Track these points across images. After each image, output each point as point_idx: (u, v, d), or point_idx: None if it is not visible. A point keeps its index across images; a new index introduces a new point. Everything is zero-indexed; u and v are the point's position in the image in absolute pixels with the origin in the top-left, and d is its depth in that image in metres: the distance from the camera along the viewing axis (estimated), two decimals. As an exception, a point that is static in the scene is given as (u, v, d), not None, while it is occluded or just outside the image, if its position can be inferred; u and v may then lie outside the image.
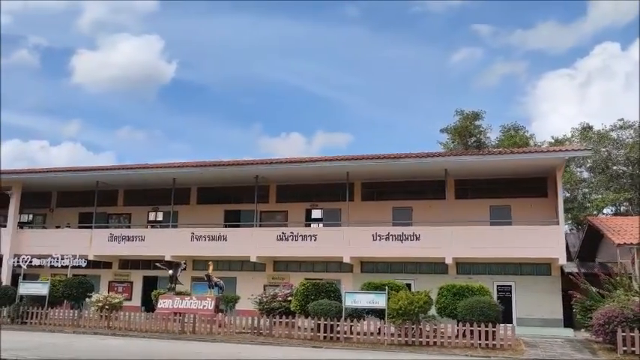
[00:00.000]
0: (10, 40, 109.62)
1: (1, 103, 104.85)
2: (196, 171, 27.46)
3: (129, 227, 31.05)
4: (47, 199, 33.63)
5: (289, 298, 20.06)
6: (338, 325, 17.36)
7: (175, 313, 20.39)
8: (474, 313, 16.38)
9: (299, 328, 18.00)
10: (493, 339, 15.90)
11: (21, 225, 31.83)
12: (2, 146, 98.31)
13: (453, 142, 49.24)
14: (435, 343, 16.40)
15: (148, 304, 28.80)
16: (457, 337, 16.49)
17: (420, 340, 16.53)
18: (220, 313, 20.49)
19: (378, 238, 25.05)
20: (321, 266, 27.90)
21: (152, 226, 31.33)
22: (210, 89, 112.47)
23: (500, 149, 28.32)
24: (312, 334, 17.46)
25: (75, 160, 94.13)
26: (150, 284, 30.16)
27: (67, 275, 25.77)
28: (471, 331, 16.14)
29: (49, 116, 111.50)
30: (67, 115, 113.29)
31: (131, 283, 30.56)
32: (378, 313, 18.45)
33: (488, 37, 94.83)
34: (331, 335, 17.29)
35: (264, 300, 20.34)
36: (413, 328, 16.70)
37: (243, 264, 28.41)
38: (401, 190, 27.91)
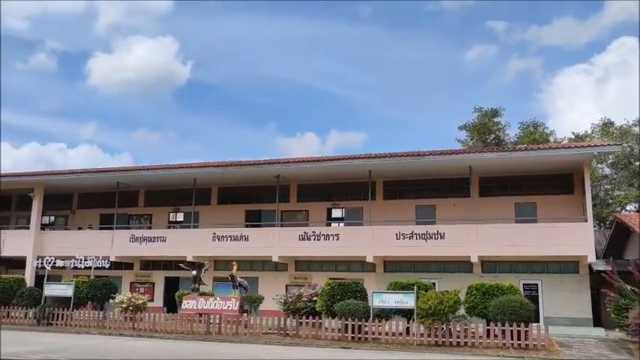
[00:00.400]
0: (28, 45, 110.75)
1: (16, 105, 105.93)
2: (217, 171, 27.36)
3: (150, 228, 31.05)
4: (68, 200, 33.76)
5: (314, 298, 19.83)
6: (366, 326, 17.07)
7: (199, 314, 20.25)
8: (506, 313, 16.02)
9: (326, 328, 17.75)
10: (526, 339, 15.53)
11: (43, 227, 31.96)
12: (22, 150, 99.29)
13: (471, 140, 48.79)
14: (465, 343, 16.06)
15: (170, 305, 28.77)
16: (488, 337, 16.14)
17: (450, 340, 16.20)
18: (245, 314, 20.31)
19: (402, 236, 24.76)
20: (343, 266, 27.68)
21: (173, 227, 31.31)
22: (224, 89, 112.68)
23: (526, 145, 27.81)
24: (340, 334, 17.22)
25: (92, 162, 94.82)
26: (171, 285, 30.15)
27: (89, 277, 25.77)
28: (503, 331, 15.78)
29: (67, 119, 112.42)
30: (84, 118, 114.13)
31: (153, 283, 30.57)
32: (405, 313, 18.19)
33: (503, 34, 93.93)
34: (359, 336, 17.02)
35: (289, 300, 20.14)
36: (443, 328, 16.38)
37: (264, 264, 28.29)
38: (424, 188, 27.59)
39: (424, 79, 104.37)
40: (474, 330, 16.39)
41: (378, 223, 25.92)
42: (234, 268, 22.12)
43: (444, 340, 16.26)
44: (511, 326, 15.69)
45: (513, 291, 17.49)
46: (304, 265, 28.31)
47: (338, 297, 18.62)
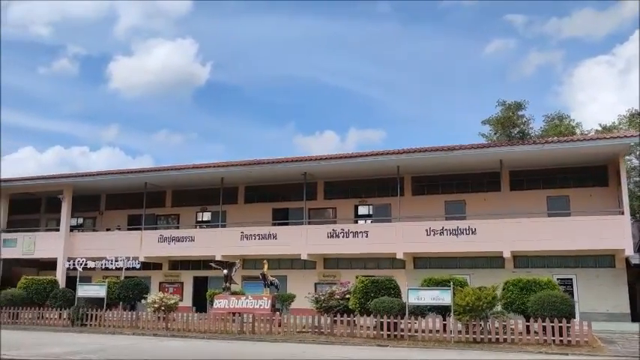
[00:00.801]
0: (50, 50, 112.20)
1: (40, 110, 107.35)
2: (244, 170, 27.31)
3: (177, 228, 31.14)
4: (96, 202, 34.02)
5: (347, 296, 19.67)
6: (402, 323, 16.84)
7: (231, 313, 20.18)
8: (546, 308, 15.66)
9: (360, 326, 17.53)
10: (567, 335, 15.16)
11: (72, 228, 32.23)
12: (46, 153, 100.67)
13: (495, 134, 48.08)
14: (504, 340, 15.73)
15: (199, 305, 28.85)
16: (527, 333, 15.79)
17: (489, 337, 15.88)
18: (277, 313, 20.20)
19: (432, 232, 24.44)
20: (372, 263, 27.45)
21: (200, 227, 31.38)
22: (243, 90, 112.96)
23: (558, 137, 27.26)
24: (375, 332, 16.99)
25: (113, 164, 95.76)
26: (200, 284, 30.22)
27: (117, 277, 25.90)
28: (543, 328, 15.42)
29: (89, 122, 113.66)
30: (106, 121, 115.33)
31: (181, 283, 30.66)
32: (440, 310, 17.93)
33: (522, 27, 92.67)
34: (395, 333, 16.80)
35: (322, 298, 19.97)
36: (481, 325, 16.07)
37: (293, 262, 28.18)
38: (453, 183, 27.23)
39: (443, 74, 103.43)
40: (512, 326, 16.06)
41: (408, 219, 25.66)
42: (266, 266, 22.03)
43: (482, 337, 15.95)
44: (552, 322, 15.33)
45: (551, 286, 17.13)
46: (333, 262, 28.14)
47: (372, 294, 18.42)
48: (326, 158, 25.96)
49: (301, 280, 27.76)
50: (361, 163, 25.59)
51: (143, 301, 22.50)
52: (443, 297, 16.74)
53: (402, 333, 16.74)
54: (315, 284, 27.90)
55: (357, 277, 26.45)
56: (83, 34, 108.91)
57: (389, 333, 16.83)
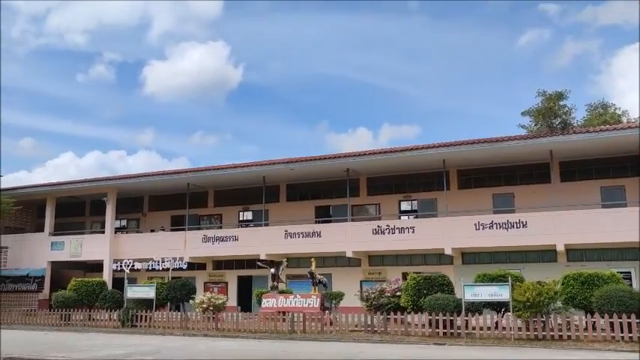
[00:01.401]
0: (87, 58, 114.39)
1: (79, 116, 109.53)
2: (286, 167, 27.08)
3: (220, 228, 31.14)
4: (139, 204, 34.33)
5: (398, 294, 19.20)
6: (458, 320, 16.32)
7: (280, 312, 19.96)
8: (613, 304, 14.91)
9: (416, 324, 17.07)
10: (638, 331, 14.42)
11: (116, 230, 32.55)
12: (85, 158, 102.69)
13: (535, 125, 46.90)
14: (568, 337, 15.08)
15: (244, 304, 28.80)
16: (594, 330, 15.10)
17: (552, 334, 15.25)
18: (327, 311, 19.89)
19: (481, 227, 23.80)
20: (418, 259, 26.94)
21: (242, 226, 31.32)
22: (276, 90, 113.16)
23: (615, 125, 26.25)
24: (431, 330, 16.52)
25: (150, 167, 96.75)
26: (244, 284, 30.19)
27: (162, 278, 26.00)
28: (611, 324, 14.71)
29: (126, 127, 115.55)
30: (142, 125, 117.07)
31: (226, 283, 30.67)
32: (496, 306, 17.37)
33: (557, 16, 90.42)
34: (451, 331, 16.29)
35: (372, 296, 19.55)
36: (542, 322, 15.44)
37: (337, 260, 27.86)
38: (501, 176, 26.51)
39: (476, 67, 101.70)
40: (576, 323, 15.37)
41: (455, 213, 25.04)
42: (313, 264, 21.75)
43: (544, 333, 15.32)
44: (620, 318, 14.61)
45: (615, 280, 16.36)
46: (378, 259, 27.72)
47: (424, 291, 17.91)
48: (369, 153, 25.54)
49: (346, 277, 27.44)
50: (406, 157, 25.06)
51: (191, 301, 22.46)
52: (501, 293, 16.14)
53: (459, 331, 16.22)
54: (361, 282, 27.54)
55: (402, 274, 26.33)
56: (118, 41, 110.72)
57: (445, 331, 16.32)
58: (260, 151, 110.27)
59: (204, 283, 30.65)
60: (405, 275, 25.81)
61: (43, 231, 32.75)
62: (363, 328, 17.69)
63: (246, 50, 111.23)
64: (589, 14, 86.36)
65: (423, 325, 17.00)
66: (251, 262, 29.81)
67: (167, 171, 30.02)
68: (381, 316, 17.64)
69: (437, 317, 16.47)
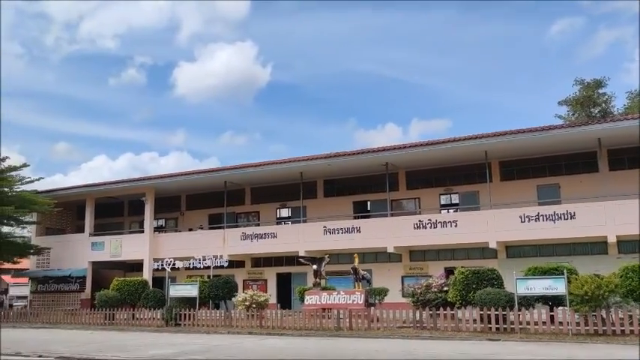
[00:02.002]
0: (119, 61, 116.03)
1: (112, 120, 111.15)
2: (324, 163, 26.72)
3: (258, 225, 30.99)
4: (177, 203, 34.42)
5: (445, 289, 18.74)
6: (512, 315, 15.78)
7: (323, 309, 19.66)
8: (677, 296, 14.23)
9: (467, 320, 16.58)
10: None
11: (154, 230, 32.68)
12: (118, 161, 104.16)
13: (573, 115, 45.67)
14: (631, 331, 14.42)
15: (284, 302, 28.57)
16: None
17: (613, 329, 14.60)
18: (373, 307, 19.52)
19: (527, 219, 23.11)
20: (461, 253, 26.35)
21: (278, 223, 31.12)
22: (303, 88, 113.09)
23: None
24: (483, 325, 16.00)
25: (181, 168, 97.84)
26: (283, 281, 29.98)
27: (201, 276, 25.97)
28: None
29: (157, 129, 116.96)
30: (173, 126, 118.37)
31: (265, 280, 30.52)
32: (549, 300, 16.76)
33: (589, 5, 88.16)
34: (504, 326, 15.76)
35: (418, 292, 19.11)
36: (602, 316, 14.80)
37: (377, 255, 27.46)
38: (545, 166, 25.71)
39: (507, 58, 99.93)
40: (638, 317, 14.68)
41: (498, 206, 24.38)
42: (356, 260, 21.39)
43: (604, 328, 14.68)
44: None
45: (677, 271, 15.58)
46: (419, 254, 27.21)
47: (473, 286, 17.43)
48: (409, 146, 25.05)
49: (387, 273, 27.01)
50: (447, 149, 24.48)
51: (234, 299, 22.31)
52: (556, 286, 15.54)
53: (512, 326, 15.68)
54: (402, 277, 27.10)
55: (445, 269, 25.78)
56: (148, 44, 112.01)
57: (497, 326, 15.81)
58: (288, 149, 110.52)
59: (244, 280, 30.53)
60: (447, 270, 25.43)
61: (83, 232, 33.11)
62: (411, 325, 17.26)
63: (273, 49, 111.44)
64: (622, 2, 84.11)
65: (475, 321, 16.50)
66: (290, 259, 29.64)
67: (204, 169, 29.99)
68: (430, 312, 17.15)
69: (489, 312, 15.94)
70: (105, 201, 33.92)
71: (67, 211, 35.15)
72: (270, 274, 30.49)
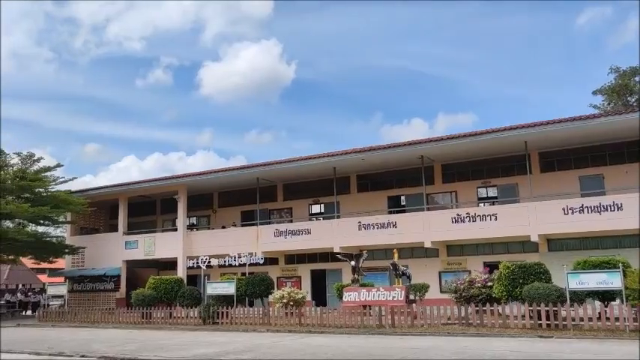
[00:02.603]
0: (145, 63, 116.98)
1: (139, 120, 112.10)
2: (358, 157, 26.25)
3: (291, 222, 30.69)
4: (209, 200, 34.31)
5: (489, 284, 18.16)
6: (563, 311, 15.13)
7: (363, 306, 19.23)
8: None
9: (515, 316, 15.97)
10: None
11: (187, 228, 32.60)
12: (147, 161, 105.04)
13: (609, 104, 44.48)
14: (694, 327, 13.70)
15: (318, 299, 28.27)
16: None
17: (676, 324, 13.89)
18: (414, 304, 19.03)
19: (570, 211, 22.30)
20: (500, 247, 25.67)
21: (311, 219, 30.76)
22: (328, 85, 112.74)
23: None
24: (532, 322, 15.39)
25: (208, 167, 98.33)
26: (318, 278, 29.64)
27: (234, 274, 25.80)
28: None
29: (184, 129, 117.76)
30: (200, 126, 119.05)
31: (299, 277, 30.21)
32: (601, 295, 16.08)
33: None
34: (555, 323, 15.12)
35: (461, 287, 18.57)
36: (663, 311, 14.10)
37: (413, 251, 26.92)
38: (588, 157, 24.85)
39: (533, 49, 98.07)
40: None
41: (539, 198, 23.63)
42: (396, 255, 20.91)
43: (667, 324, 13.98)
44: None
45: None
46: (457, 249, 26.60)
47: (520, 281, 16.82)
48: (446, 139, 24.39)
49: (423, 269, 26.41)
50: (485, 141, 23.79)
51: (270, 297, 22.03)
52: (611, 280, 14.85)
53: (564, 322, 15.03)
54: (440, 273, 26.56)
55: (484, 263, 25.14)
56: (174, 45, 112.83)
57: (548, 322, 15.18)
58: (314, 146, 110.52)
59: (277, 277, 30.24)
60: (486, 265, 24.79)
61: (116, 231, 33.20)
62: (456, 321, 16.72)
63: (298, 47, 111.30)
64: None
65: (523, 317, 15.88)
66: (324, 256, 29.29)
67: (237, 166, 29.77)
68: (476, 308, 16.58)
69: (538, 308, 15.32)
70: (137, 200, 33.98)
71: (100, 211, 35.31)
72: (304, 271, 30.17)
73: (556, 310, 15.18)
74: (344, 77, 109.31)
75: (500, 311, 16.38)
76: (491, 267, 22.43)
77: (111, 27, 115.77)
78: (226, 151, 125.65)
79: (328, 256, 29.00)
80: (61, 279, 33.55)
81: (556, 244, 24.54)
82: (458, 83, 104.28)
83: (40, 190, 29.70)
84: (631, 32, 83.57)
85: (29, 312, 34.34)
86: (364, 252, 22.52)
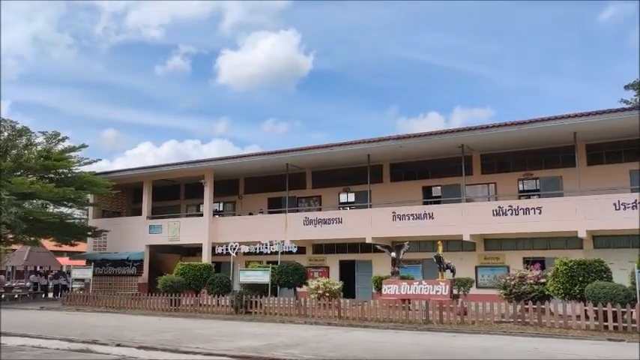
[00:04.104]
0: (164, 50, 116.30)
1: (157, 107, 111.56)
2: (394, 144, 25.17)
3: (319, 210, 29.72)
4: (235, 186, 33.43)
5: (542, 280, 17.10)
6: (633, 313, 14.05)
7: (402, 300, 18.24)
8: None
9: (577, 316, 14.91)
10: None
11: (213, 213, 31.75)
12: (162, 148, 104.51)
13: (640, 100, 43.00)
14: None
15: (347, 290, 27.23)
16: None
17: None
18: (460, 299, 18.00)
19: (622, 206, 21.14)
20: (542, 243, 24.58)
21: (341, 208, 29.79)
22: (346, 76, 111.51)
23: None
24: (597, 323, 14.31)
25: (223, 155, 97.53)
26: (347, 269, 28.69)
27: (260, 262, 24.95)
28: None
29: (201, 116, 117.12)
30: (216, 114, 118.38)
31: (327, 268, 29.26)
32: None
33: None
34: (624, 325, 14.04)
35: (511, 283, 17.50)
36: None
37: (448, 244, 25.77)
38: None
39: (554, 44, 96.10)
40: None
41: (586, 192, 22.44)
42: (440, 248, 19.87)
43: None
44: None
45: None
46: (495, 243, 25.52)
47: (579, 279, 15.73)
48: (491, 127, 23.18)
49: (459, 263, 25.09)
50: (531, 130, 22.59)
51: (305, 287, 21.11)
52: (688, 281, 13.73)
53: (634, 325, 13.94)
54: (476, 267, 25.52)
55: (523, 259, 24.08)
56: (193, 33, 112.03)
57: (615, 324, 14.10)
58: (329, 137, 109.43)
59: (305, 267, 29.24)
60: (526, 260, 23.74)
61: (138, 215, 32.44)
62: (511, 320, 15.67)
63: (316, 37, 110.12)
64: None
65: (587, 317, 14.80)
66: (354, 246, 28.35)
67: (266, 151, 28.68)
68: (533, 306, 15.52)
69: (605, 308, 14.24)
70: (161, 184, 33.17)
71: (122, 194, 34.57)
72: (333, 262, 29.21)
73: (624, 312, 14.09)
74: (361, 69, 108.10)
75: (560, 310, 15.32)
76: (530, 263, 21.50)
77: (130, 15, 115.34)
78: (241, 140, 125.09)
79: (358, 246, 28.08)
80: (83, 262, 32.92)
81: (602, 240, 23.41)
82: (477, 77, 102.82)
83: (65, 170, 28.91)
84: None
85: (50, 295, 33.71)
86: (406, 243, 21.49)
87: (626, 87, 44.32)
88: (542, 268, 18.20)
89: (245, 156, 29.09)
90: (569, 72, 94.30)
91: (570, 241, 23.54)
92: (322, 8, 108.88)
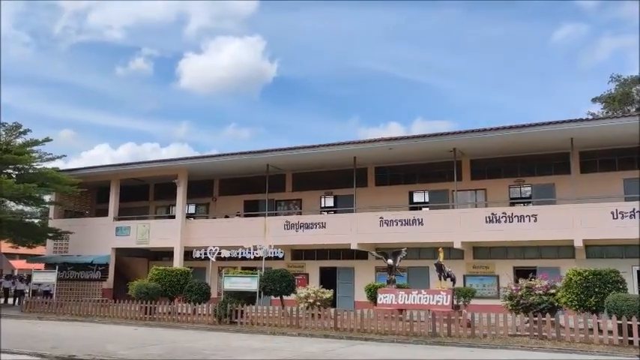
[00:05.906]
0: (126, 52, 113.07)
1: (116, 109, 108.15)
2: (386, 146, 24.04)
3: (300, 214, 28.33)
4: (209, 187, 31.73)
5: (551, 291, 16.21)
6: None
7: (400, 310, 17.07)
8: None
9: (599, 330, 13.96)
10: None
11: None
12: (119, 150, 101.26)
13: (608, 112, 43.43)
14: None
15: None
16: None
17: None
18: (463, 310, 16.94)
19: (619, 215, 20.55)
20: (533, 252, 23.89)
21: (322, 212, 28.47)
22: (309, 84, 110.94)
23: None
24: (622, 337, 13.41)
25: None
26: (327, 276, 27.35)
27: (234, 268, 23.49)
28: None
29: (161, 119, 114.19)
30: (177, 118, 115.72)
31: (306, 275, 27.86)
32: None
33: (594, 12, 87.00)
34: (647, 340, 13.18)
35: (517, 294, 16.54)
36: None
37: (435, 252, 24.80)
38: (634, 158, 23.07)
39: (512, 60, 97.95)
40: None
41: (581, 200, 21.80)
42: (441, 255, 18.77)
43: None
44: None
45: None
46: (484, 252, 24.68)
47: (595, 289, 14.88)
48: (485, 130, 22.32)
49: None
50: (526, 135, 21.84)
51: (293, 295, 19.71)
52: None
53: (660, 340, 13.10)
54: (464, 276, 24.57)
55: (514, 268, 23.35)
56: (156, 36, 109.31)
57: None
58: (291, 144, 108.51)
59: (292, 274, 27.73)
60: (516, 270, 23.03)
61: (104, 216, 30.34)
62: (527, 333, 14.63)
63: (281, 45, 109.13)
64: (628, 10, 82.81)
65: (600, 331, 13.89)
66: (335, 252, 27.12)
67: (245, 151, 27.08)
68: (551, 319, 14.55)
69: (629, 322, 13.35)
70: (129, 183, 31.13)
71: (88, 193, 32.28)
72: (313, 268, 27.85)
73: (644, 326, 13.23)
74: (325, 77, 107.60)
75: (586, 324, 14.32)
76: (521, 272, 20.81)
77: (93, 15, 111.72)
78: (201, 144, 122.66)
79: (340, 252, 26.84)
80: (41, 265, 30.57)
81: (595, 250, 22.82)
82: (438, 89, 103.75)
83: (26, 166, 26.64)
84: (604, 52, 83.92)
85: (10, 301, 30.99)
86: (403, 249, 20.35)
87: (594, 100, 44.83)
88: (530, 278, 17.34)
89: (224, 155, 27.47)
90: (526, 88, 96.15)
91: (562, 250, 22.95)
92: (288, 16, 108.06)
